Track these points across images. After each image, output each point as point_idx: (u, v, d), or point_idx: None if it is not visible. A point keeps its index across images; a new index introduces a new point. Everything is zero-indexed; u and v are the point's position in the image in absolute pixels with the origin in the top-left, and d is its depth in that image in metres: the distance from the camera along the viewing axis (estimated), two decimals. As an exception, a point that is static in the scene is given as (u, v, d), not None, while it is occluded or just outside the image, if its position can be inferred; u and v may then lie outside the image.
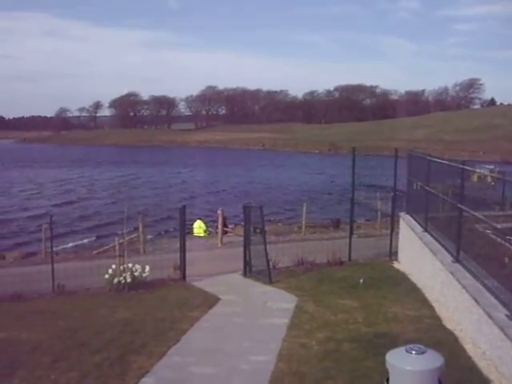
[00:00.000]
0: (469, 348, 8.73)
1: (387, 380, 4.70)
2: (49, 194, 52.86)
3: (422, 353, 4.55)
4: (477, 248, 10.91)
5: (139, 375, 7.81)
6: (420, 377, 4.70)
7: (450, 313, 10.48)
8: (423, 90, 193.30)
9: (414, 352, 4.58)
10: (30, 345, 9.21)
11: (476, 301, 8.84)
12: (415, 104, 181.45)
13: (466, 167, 10.98)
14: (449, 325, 9.95)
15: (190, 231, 25.82)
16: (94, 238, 29.56)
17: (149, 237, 25.73)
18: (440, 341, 8.95)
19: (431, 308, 11.13)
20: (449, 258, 11.12)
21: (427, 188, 13.52)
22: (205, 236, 26.35)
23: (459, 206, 10.74)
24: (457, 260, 10.78)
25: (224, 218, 25.00)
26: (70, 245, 26.44)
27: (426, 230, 13.63)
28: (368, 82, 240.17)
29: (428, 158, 13.81)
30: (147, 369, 8.05)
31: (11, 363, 8.34)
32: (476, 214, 10.65)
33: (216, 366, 8.23)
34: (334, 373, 7.79)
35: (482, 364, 8.08)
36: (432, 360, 4.46)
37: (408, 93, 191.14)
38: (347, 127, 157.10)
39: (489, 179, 15.88)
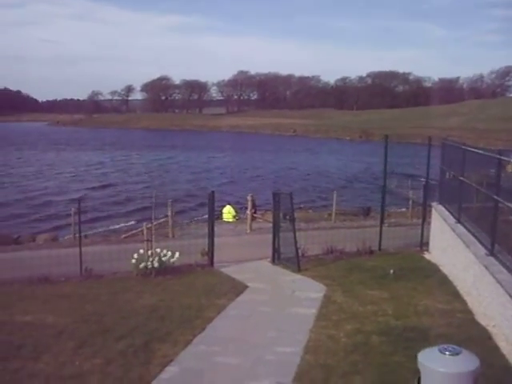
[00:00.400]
0: (503, 346, 8.46)
1: (418, 381, 4.48)
2: (83, 178, 52.99)
3: (457, 354, 4.31)
4: (511, 241, 10.60)
5: (163, 363, 7.71)
6: (454, 380, 4.44)
7: (483, 308, 10.18)
8: (458, 78, 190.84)
9: (447, 353, 4.34)
10: (56, 329, 9.18)
11: (511, 296, 8.55)
12: (449, 91, 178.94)
13: (502, 157, 10.63)
14: (481, 320, 9.67)
15: (220, 216, 25.72)
16: (124, 222, 29.56)
17: (185, 221, 25.71)
18: (472, 337, 8.71)
19: (463, 302, 10.85)
20: (482, 251, 10.80)
21: (461, 178, 13.18)
22: (234, 221, 26.22)
23: (495, 197, 10.41)
24: (491, 253, 10.46)
25: (254, 204, 24.84)
26: (101, 229, 26.55)
27: (459, 221, 13.30)
28: (401, 68, 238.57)
29: (463, 147, 13.45)
30: (172, 357, 7.94)
31: (36, 347, 8.30)
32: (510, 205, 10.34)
33: (241, 357, 8.09)
34: (361, 367, 7.60)
35: (517, 362, 7.82)
36: (467, 362, 4.21)
37: (442, 80, 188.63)
38: (379, 114, 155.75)
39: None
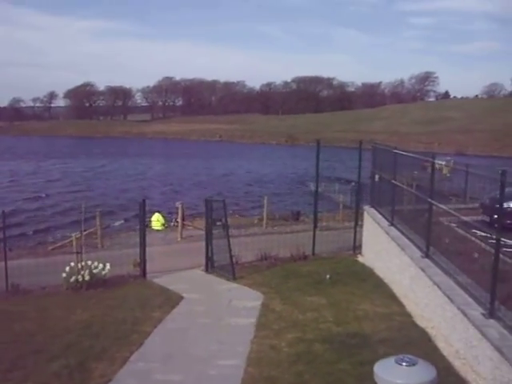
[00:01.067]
0: (442, 347, 8.49)
1: (375, 395, 4.32)
2: (12, 189, 50.79)
3: (414, 364, 4.19)
4: (444, 242, 10.70)
5: (101, 384, 7.32)
6: None
7: (421, 310, 10.22)
8: (380, 82, 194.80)
9: (404, 363, 4.20)
10: (-18, 352, 8.62)
11: (449, 298, 8.59)
12: (372, 96, 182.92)
13: (435, 160, 10.72)
14: (420, 322, 9.70)
15: (148, 224, 25.20)
16: (53, 233, 28.58)
17: (117, 223, 25.05)
18: (413, 340, 8.70)
19: (401, 305, 10.87)
20: (418, 253, 10.88)
21: (393, 181, 13.26)
22: (163, 230, 25.75)
23: (429, 200, 10.48)
24: (426, 255, 10.53)
25: (183, 211, 24.48)
26: (28, 242, 25.55)
27: (392, 224, 13.39)
28: (325, 73, 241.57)
29: (394, 150, 13.55)
30: (109, 377, 7.55)
31: (-40, 373, 7.75)
32: (445, 207, 10.44)
33: (183, 373, 7.78)
34: (307, 377, 7.43)
35: (457, 363, 7.83)
36: (425, 372, 4.11)
37: (364, 85, 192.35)
38: (304, 118, 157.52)
39: (444, 171, 15.73)
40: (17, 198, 43.33)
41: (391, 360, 4.31)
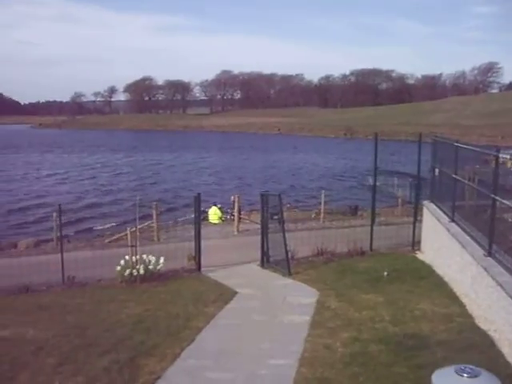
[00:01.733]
0: (506, 352, 8.02)
1: (433, 404, 4.00)
2: (70, 181, 51.88)
3: (476, 376, 3.83)
4: (509, 240, 10.22)
5: (150, 381, 7.18)
6: None
7: (483, 311, 9.76)
8: (440, 74, 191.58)
9: (465, 375, 3.84)
10: (35, 344, 8.60)
11: (514, 300, 8.14)
12: (432, 88, 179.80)
13: (500, 154, 10.24)
14: (482, 324, 9.24)
15: (205, 218, 25.21)
16: (109, 225, 28.93)
17: (170, 223, 25.19)
18: (474, 343, 8.28)
19: (461, 305, 10.42)
20: (480, 252, 10.39)
21: (455, 176, 12.78)
22: (220, 223, 25.75)
23: (493, 196, 10.01)
24: (489, 254, 10.06)
25: (239, 205, 24.42)
26: (85, 234, 25.90)
27: (453, 220, 12.89)
28: (384, 66, 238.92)
29: (456, 143, 13.05)
30: (159, 374, 7.42)
31: (13, 365, 7.73)
32: (510, 203, 9.96)
33: (233, 371, 7.58)
34: (361, 380, 7.13)
35: (523, 371, 7.40)
36: (488, 385, 3.77)
37: (425, 77, 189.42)
38: (363, 112, 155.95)
39: (509, 164, 15.11)
40: (81, 191, 44.18)
41: (451, 369, 3.94)
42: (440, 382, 3.84)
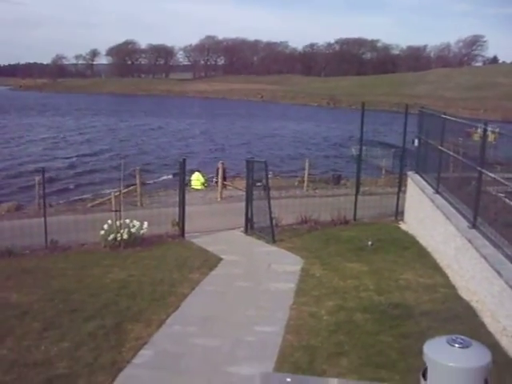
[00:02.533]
0: (488, 322, 8.13)
1: (423, 374, 3.98)
2: (54, 145, 50.87)
3: (467, 346, 3.81)
4: (492, 213, 10.28)
5: (137, 347, 7.16)
6: (465, 375, 3.89)
7: (465, 282, 9.86)
8: (425, 46, 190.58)
9: (457, 345, 3.81)
10: (20, 308, 8.52)
11: (497, 272, 8.20)
12: (417, 59, 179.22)
13: (487, 127, 10.24)
14: (465, 295, 9.34)
15: (188, 184, 25.08)
16: (92, 190, 28.67)
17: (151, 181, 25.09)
18: (458, 314, 8.38)
19: (444, 275, 10.51)
20: (464, 224, 10.46)
21: (441, 148, 12.79)
22: (203, 189, 25.65)
23: (479, 168, 10.03)
24: (473, 226, 10.12)
25: (224, 171, 24.32)
26: (67, 199, 25.65)
27: (437, 192, 12.94)
28: (369, 35, 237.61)
29: (443, 115, 13.04)
30: (145, 339, 7.40)
31: (-2, 330, 7.69)
32: (496, 176, 10.00)
33: (219, 338, 7.59)
34: (347, 348, 7.18)
35: (505, 341, 7.48)
36: (479, 356, 3.76)
37: (410, 48, 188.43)
38: (347, 81, 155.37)
39: (490, 138, 15.17)
40: (62, 155, 43.70)
41: (443, 340, 3.89)
42: (432, 352, 3.79)
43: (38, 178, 19.37)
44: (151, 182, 26.31)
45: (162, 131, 65.13)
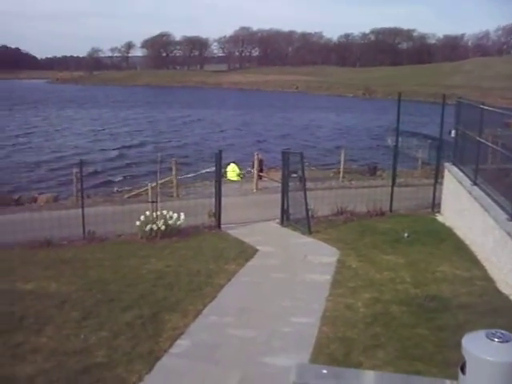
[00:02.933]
0: (528, 317, 8.01)
1: (462, 368, 3.94)
2: (92, 137, 51.10)
3: (507, 341, 3.76)
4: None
5: (173, 337, 7.24)
6: (504, 370, 3.84)
7: (504, 275, 9.71)
8: (463, 35, 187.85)
9: (496, 339, 3.76)
10: (59, 298, 8.68)
11: (537, 265, 8.09)
12: (454, 49, 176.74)
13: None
14: (503, 289, 9.21)
15: (224, 175, 25.15)
16: (127, 181, 28.91)
17: (190, 175, 25.24)
18: (496, 307, 8.27)
19: (482, 268, 10.38)
20: (503, 216, 10.29)
21: (479, 139, 12.61)
22: (239, 180, 25.69)
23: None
24: (513, 218, 9.96)
25: (260, 162, 24.33)
26: (105, 189, 25.90)
27: (475, 184, 12.76)
28: (405, 25, 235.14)
29: (481, 106, 12.84)
30: (182, 330, 7.47)
31: (38, 319, 7.79)
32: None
33: (255, 329, 7.63)
34: (383, 340, 7.15)
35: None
36: (518, 350, 3.72)
37: (446, 37, 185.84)
38: (382, 71, 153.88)
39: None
40: (100, 147, 44.08)
41: (482, 334, 3.84)
42: (470, 346, 3.74)
43: (75, 171, 19.60)
44: (191, 175, 26.41)
45: (199, 123, 65.13)
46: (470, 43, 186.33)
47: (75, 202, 18.70)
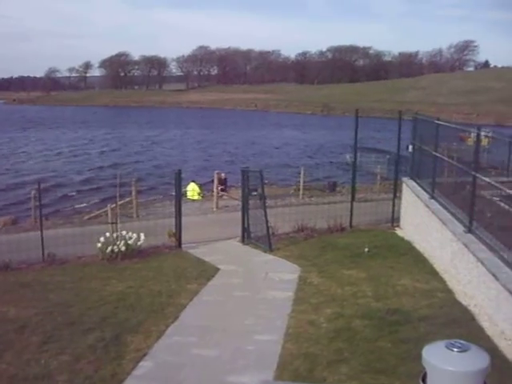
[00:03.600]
0: (486, 326, 8.17)
1: (423, 379, 4.00)
2: (50, 158, 50.69)
3: (465, 350, 3.84)
4: (488, 217, 10.33)
5: (136, 358, 7.17)
6: (463, 379, 3.93)
7: (462, 286, 9.90)
8: (417, 52, 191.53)
9: (455, 349, 3.84)
10: (18, 322, 8.51)
11: (494, 276, 8.26)
12: (409, 66, 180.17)
13: (480, 132, 10.32)
14: (462, 299, 9.37)
15: (184, 194, 25.09)
16: (86, 202, 28.68)
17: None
18: (456, 318, 8.41)
19: (441, 280, 10.54)
20: (460, 228, 10.51)
21: (435, 153, 12.86)
22: (199, 199, 25.68)
23: (473, 173, 10.09)
24: (469, 230, 10.17)
25: (220, 181, 24.40)
26: (64, 211, 25.65)
27: (432, 197, 13.00)
28: (361, 43, 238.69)
29: (436, 121, 13.11)
30: (145, 351, 7.41)
31: (-3, 344, 7.67)
32: (490, 180, 10.08)
33: (219, 348, 7.61)
34: (347, 355, 7.20)
35: (503, 344, 7.52)
36: (477, 359, 3.78)
37: (401, 54, 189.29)
38: (340, 88, 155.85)
39: (483, 142, 15.26)
40: (60, 168, 43.61)
41: (441, 344, 3.93)
42: (430, 357, 3.82)
43: (34, 192, 19.35)
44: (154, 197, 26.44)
45: (161, 144, 65.07)
46: (424, 60, 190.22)
47: (34, 224, 18.44)
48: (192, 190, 26.31)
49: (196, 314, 9.13)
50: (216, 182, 23.36)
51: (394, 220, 16.17)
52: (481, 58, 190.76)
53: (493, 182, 9.89)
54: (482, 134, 12.16)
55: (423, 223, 13.16)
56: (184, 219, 15.03)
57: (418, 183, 14.84)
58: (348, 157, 35.63)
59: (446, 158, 12.32)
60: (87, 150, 57.47)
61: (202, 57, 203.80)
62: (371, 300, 9.42)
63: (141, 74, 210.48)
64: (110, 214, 15.82)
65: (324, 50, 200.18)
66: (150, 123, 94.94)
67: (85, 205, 27.85)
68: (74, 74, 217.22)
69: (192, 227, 16.04)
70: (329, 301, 9.45)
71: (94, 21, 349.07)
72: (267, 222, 13.97)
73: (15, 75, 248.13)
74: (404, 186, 15.95)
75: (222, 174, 28.01)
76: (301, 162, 40.72)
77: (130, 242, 13.18)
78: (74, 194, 32.69)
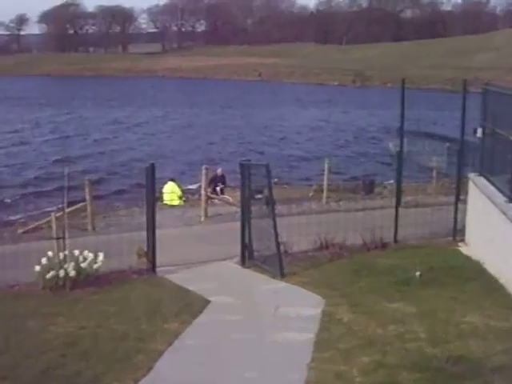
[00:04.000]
0: None
1: None
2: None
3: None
4: None
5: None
6: None
7: (554, 325, 9.90)
8: (488, 0, 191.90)
9: None
10: None
11: None
12: (476, 18, 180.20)
13: None
14: (553, 343, 9.37)
15: (159, 198, 25.08)
16: (22, 212, 28.73)
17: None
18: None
19: (525, 316, 10.55)
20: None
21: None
22: (180, 205, 25.74)
23: None
24: None
25: (218, 178, 24.61)
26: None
27: (511, 201, 12.98)
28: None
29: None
30: (104, 419, 7.45)
31: None
32: None
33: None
34: (389, 425, 7.21)
35: None
36: None
37: (466, 2, 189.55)
38: (379, 49, 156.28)
39: None
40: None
41: None
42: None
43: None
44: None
45: (129, 127, 65.39)
46: (498, 11, 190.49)
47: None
48: (171, 192, 26.32)
49: (176, 364, 9.12)
50: (204, 181, 23.34)
51: (457, 232, 16.22)
52: None
53: None
54: None
55: (498, 236, 13.15)
56: (159, 232, 15.08)
57: (490, 182, 14.81)
58: (391, 145, 35.67)
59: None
60: (28, 138, 57.62)
61: (185, 6, 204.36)
62: (425, 344, 9.40)
63: (97, 30, 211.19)
64: (54, 226, 15.83)
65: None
66: (113, 100, 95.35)
67: (21, 215, 27.86)
68: (1, 32, 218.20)
69: (171, 244, 16.14)
70: (365, 345, 9.44)
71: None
72: (277, 235, 13.99)
73: None
74: (471, 185, 15.95)
75: (219, 170, 28.11)
76: (324, 153, 40.78)
77: (82, 264, 13.20)
78: (8, 200, 32.76)
